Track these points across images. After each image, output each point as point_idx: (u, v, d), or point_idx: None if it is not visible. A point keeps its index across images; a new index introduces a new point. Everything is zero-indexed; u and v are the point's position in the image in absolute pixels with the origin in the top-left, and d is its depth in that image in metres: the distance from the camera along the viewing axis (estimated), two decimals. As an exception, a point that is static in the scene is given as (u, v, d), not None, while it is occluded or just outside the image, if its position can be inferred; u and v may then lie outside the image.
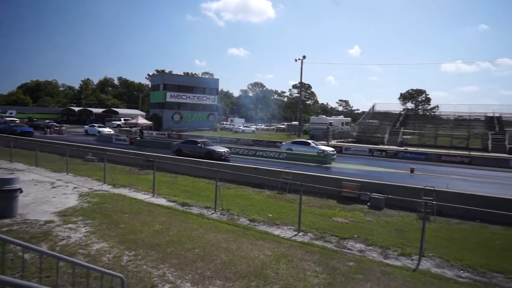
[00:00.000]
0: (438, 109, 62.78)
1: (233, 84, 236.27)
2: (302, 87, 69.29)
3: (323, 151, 26.76)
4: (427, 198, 11.63)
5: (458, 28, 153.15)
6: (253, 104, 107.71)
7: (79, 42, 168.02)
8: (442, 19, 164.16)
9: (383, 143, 41.29)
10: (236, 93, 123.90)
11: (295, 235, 9.30)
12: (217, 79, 74.84)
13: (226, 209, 11.38)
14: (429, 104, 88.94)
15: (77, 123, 67.76)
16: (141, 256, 7.14)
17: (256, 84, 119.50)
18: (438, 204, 11.39)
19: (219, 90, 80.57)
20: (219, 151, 24.20)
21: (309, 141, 30.32)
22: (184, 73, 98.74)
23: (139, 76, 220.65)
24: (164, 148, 31.37)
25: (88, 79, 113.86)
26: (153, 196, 12.82)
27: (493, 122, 45.33)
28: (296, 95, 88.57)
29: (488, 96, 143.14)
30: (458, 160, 30.22)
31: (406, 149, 34.95)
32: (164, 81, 64.32)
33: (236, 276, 6.42)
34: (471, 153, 33.31)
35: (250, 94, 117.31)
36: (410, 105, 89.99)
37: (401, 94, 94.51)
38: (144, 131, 45.54)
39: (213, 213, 11.06)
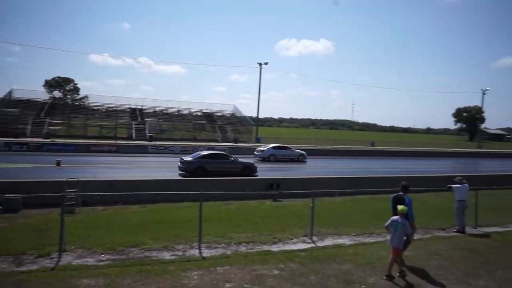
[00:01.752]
0: (87, 100, 63.18)
1: None
2: None
3: (302, 154, 29.96)
4: (71, 190, 11.34)
5: (103, 22, 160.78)
6: None
7: None
8: (89, 11, 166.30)
9: (25, 135, 36.59)
10: None
11: None
12: None
13: None
14: (78, 94, 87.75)
15: None
16: None
17: None
18: (83, 195, 11.41)
19: None
20: (255, 165, 20.89)
21: (286, 145, 31.90)
22: None
23: None
24: None
25: None
26: None
27: (136, 113, 51.42)
28: None
29: (133, 90, 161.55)
30: (106, 149, 31.98)
31: (54, 141, 32.94)
32: None
33: None
34: (118, 141, 36.15)
35: None
36: (57, 93, 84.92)
37: (46, 81, 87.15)
38: None
39: None
